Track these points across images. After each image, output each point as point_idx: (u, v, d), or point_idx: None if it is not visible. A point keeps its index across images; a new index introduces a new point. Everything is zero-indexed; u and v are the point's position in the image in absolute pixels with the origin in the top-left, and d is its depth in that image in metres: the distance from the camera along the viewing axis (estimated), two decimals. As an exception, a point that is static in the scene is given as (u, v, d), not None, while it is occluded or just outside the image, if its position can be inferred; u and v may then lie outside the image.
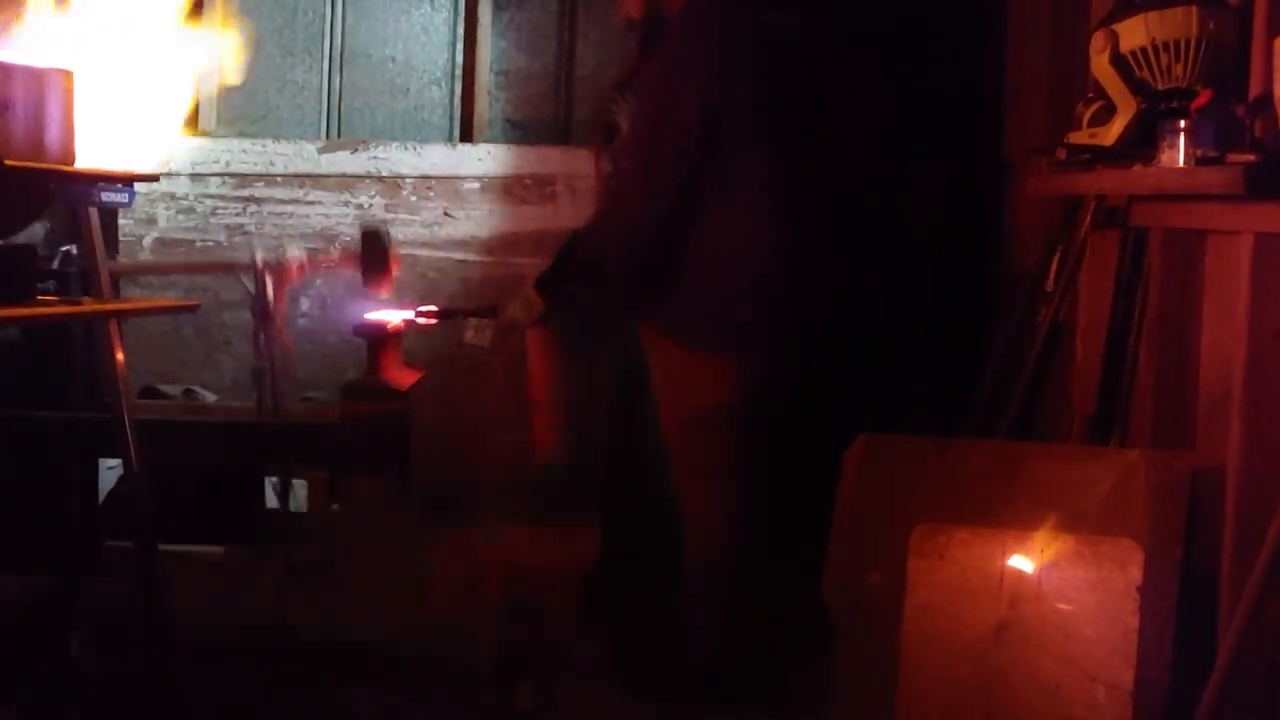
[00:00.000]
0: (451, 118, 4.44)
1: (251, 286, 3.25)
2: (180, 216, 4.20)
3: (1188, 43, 2.51)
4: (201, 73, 2.92)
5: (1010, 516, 2.54)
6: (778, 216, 2.99)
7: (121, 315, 3.07)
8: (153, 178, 2.76)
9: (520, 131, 4.42)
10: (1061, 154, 2.88)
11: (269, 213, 4.22)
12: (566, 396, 3.32)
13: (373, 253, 3.25)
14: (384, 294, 3.27)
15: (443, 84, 4.44)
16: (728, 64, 2.93)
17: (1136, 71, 2.61)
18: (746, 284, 3.00)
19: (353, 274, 3.36)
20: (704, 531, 3.09)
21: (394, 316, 3.33)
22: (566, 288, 3.10)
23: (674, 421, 3.09)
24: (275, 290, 3.23)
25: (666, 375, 3.09)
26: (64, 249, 3.24)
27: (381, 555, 3.26)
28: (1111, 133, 2.71)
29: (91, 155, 2.55)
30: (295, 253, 3.31)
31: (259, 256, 3.24)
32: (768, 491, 3.09)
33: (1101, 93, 2.73)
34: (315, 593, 3.25)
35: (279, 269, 3.24)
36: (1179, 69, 2.53)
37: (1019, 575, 2.52)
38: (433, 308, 3.35)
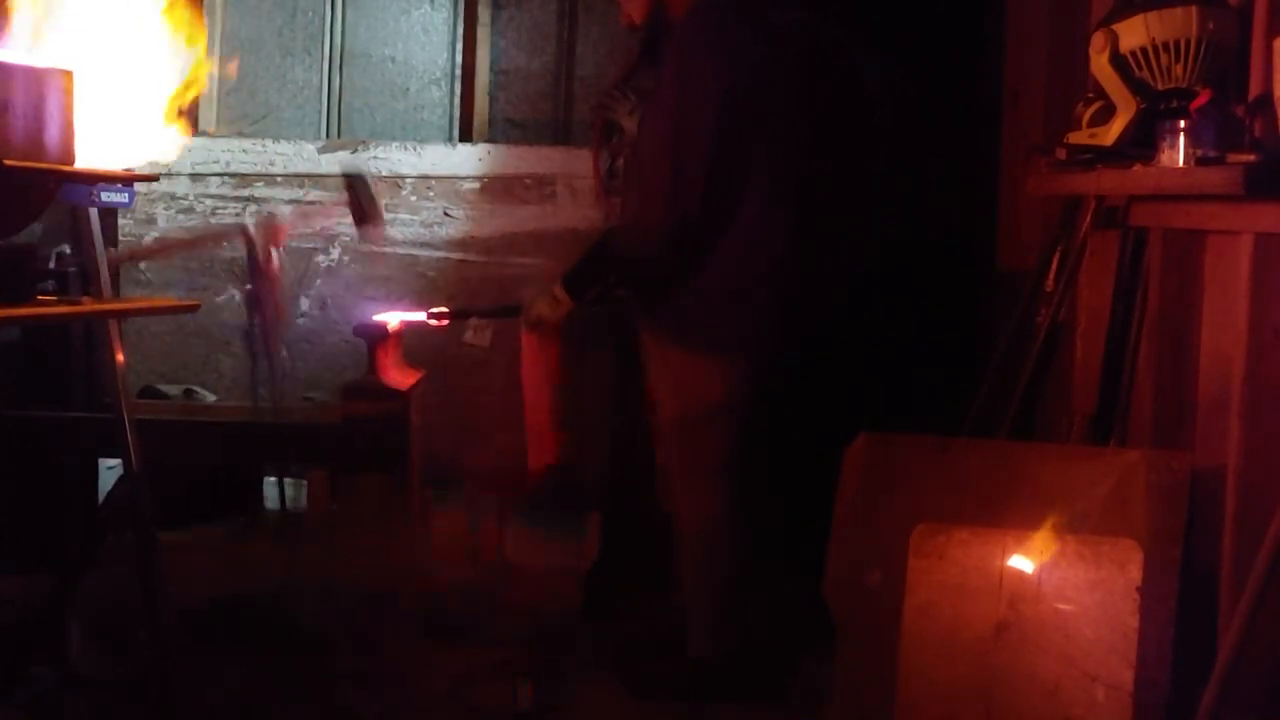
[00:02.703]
0: (451, 117, 4.44)
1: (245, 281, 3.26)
2: (180, 216, 4.20)
3: (1187, 43, 2.51)
4: (201, 73, 2.92)
5: (1010, 516, 2.54)
6: (782, 217, 3.00)
7: (121, 315, 3.07)
8: (152, 178, 2.77)
9: (520, 131, 4.42)
10: (1061, 154, 2.88)
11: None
12: (566, 397, 3.32)
13: (359, 196, 3.24)
14: (377, 236, 3.25)
15: (442, 84, 4.44)
16: (738, 67, 2.94)
17: (1136, 71, 2.61)
18: (749, 284, 3.01)
19: (342, 220, 3.35)
20: (696, 528, 3.09)
21: (405, 318, 3.33)
22: (597, 286, 3.12)
23: (669, 422, 3.10)
24: (266, 250, 3.23)
25: (664, 376, 3.10)
26: (57, 249, 3.24)
27: (381, 557, 3.26)
28: (1111, 133, 2.71)
29: (91, 155, 2.55)
30: (283, 211, 3.31)
31: (249, 223, 3.25)
32: (766, 490, 3.10)
33: (1101, 93, 2.73)
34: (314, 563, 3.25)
35: (268, 227, 3.24)
36: (1179, 69, 2.53)
37: (1019, 575, 2.52)
38: (444, 309, 3.35)
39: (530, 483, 3.39)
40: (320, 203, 4.11)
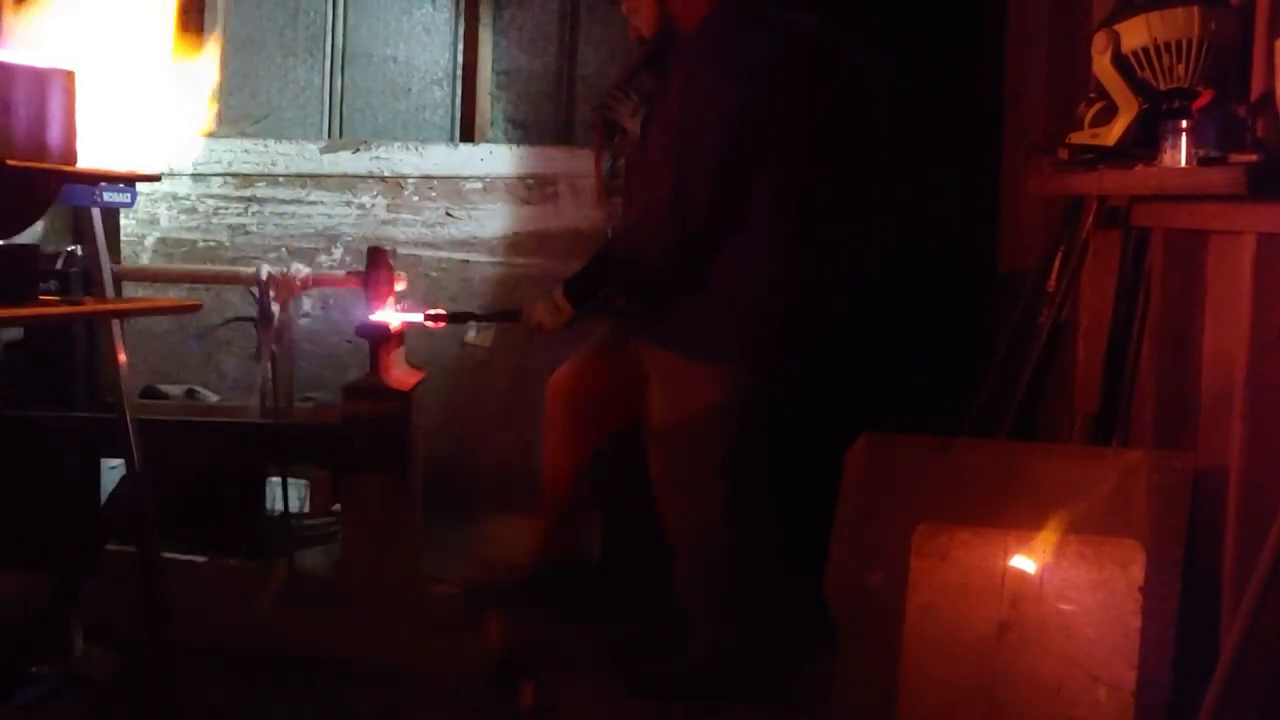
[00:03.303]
0: (453, 118, 4.44)
1: (256, 302, 3.27)
2: (182, 216, 4.20)
3: (1189, 43, 2.50)
4: (203, 73, 2.93)
5: (1012, 517, 2.53)
6: (787, 224, 2.99)
7: (123, 315, 3.07)
8: (154, 178, 2.76)
9: (522, 131, 4.43)
10: (1063, 154, 2.88)
11: (271, 213, 4.22)
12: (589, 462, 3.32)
13: (378, 272, 3.26)
14: (385, 310, 3.28)
15: (444, 84, 4.44)
16: (745, 80, 2.94)
17: (1138, 72, 2.61)
18: (751, 292, 3.00)
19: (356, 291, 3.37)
20: (688, 534, 3.09)
21: (404, 318, 3.33)
22: (598, 294, 3.12)
23: (665, 427, 3.09)
24: (279, 304, 3.24)
25: (663, 382, 3.10)
26: (68, 249, 3.25)
27: (382, 557, 3.26)
28: (1113, 133, 2.70)
29: (93, 155, 2.55)
30: (300, 267, 3.33)
31: (264, 271, 3.26)
32: (764, 492, 3.10)
33: (1103, 93, 2.73)
34: (315, 608, 3.25)
35: (283, 283, 3.25)
36: (1181, 69, 2.53)
37: (1020, 575, 2.51)
38: (440, 311, 3.35)
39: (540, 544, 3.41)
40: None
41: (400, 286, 3.34)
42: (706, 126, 2.93)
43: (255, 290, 3.28)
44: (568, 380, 3.30)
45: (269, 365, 3.26)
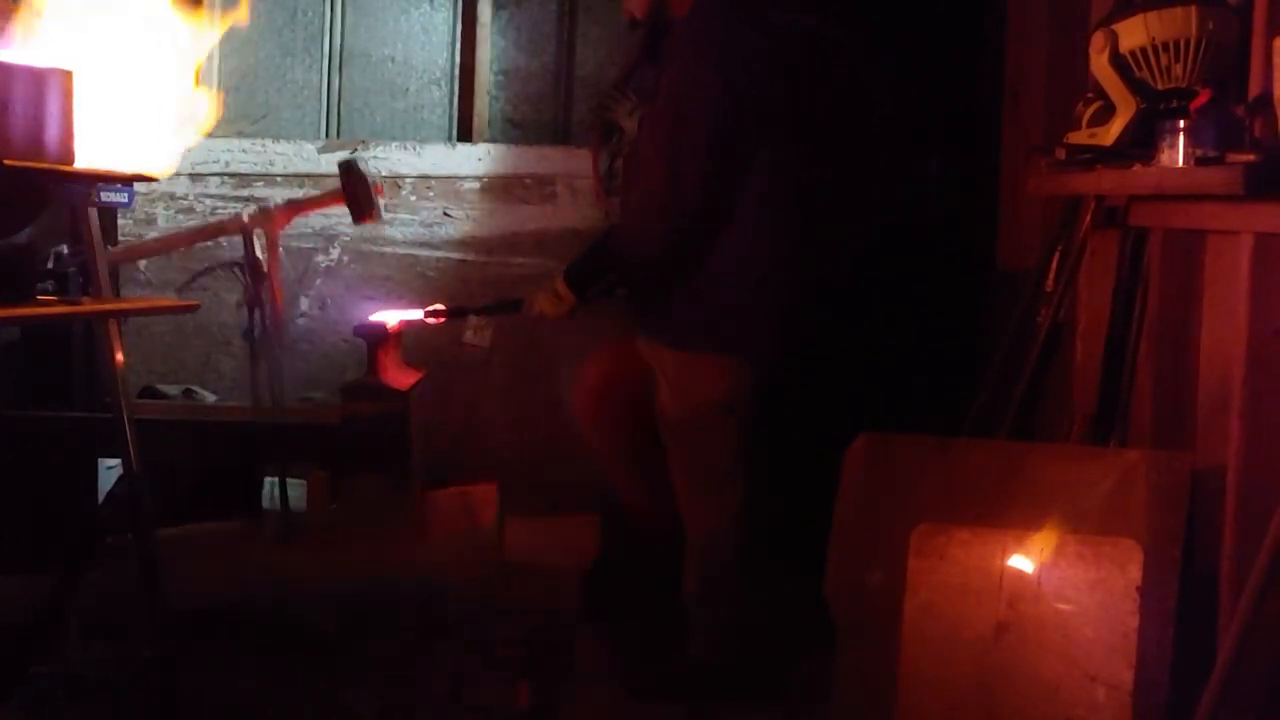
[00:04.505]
0: (451, 117, 4.44)
1: (241, 276, 3.25)
2: (180, 216, 4.19)
3: (1187, 43, 2.51)
4: (201, 73, 2.93)
5: (1010, 516, 2.54)
6: (782, 217, 3.00)
7: (121, 315, 3.06)
8: (152, 178, 2.76)
9: (520, 131, 4.43)
10: (1061, 154, 2.88)
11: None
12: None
13: (354, 184, 3.24)
14: (373, 223, 3.26)
15: (442, 84, 4.44)
16: (737, 69, 2.94)
17: (1136, 71, 2.61)
18: (748, 285, 3.01)
19: (338, 211, 3.35)
20: (704, 531, 3.09)
21: (403, 317, 3.33)
22: (599, 282, 3.12)
23: (673, 423, 3.10)
24: (267, 242, 3.23)
25: (666, 376, 3.10)
26: (54, 249, 3.24)
27: (381, 556, 3.26)
28: (1111, 133, 2.71)
29: (91, 155, 2.55)
30: (279, 201, 3.31)
31: (244, 214, 3.25)
32: (767, 491, 3.10)
33: (1101, 93, 2.73)
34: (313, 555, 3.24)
35: (266, 219, 3.23)
36: (1178, 69, 2.53)
37: (1019, 575, 2.52)
38: (440, 307, 3.35)
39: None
40: (318, 188, 4.11)
41: (380, 199, 3.32)
42: (697, 118, 2.92)
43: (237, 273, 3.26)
44: (593, 386, 3.30)
45: (258, 317, 3.22)
